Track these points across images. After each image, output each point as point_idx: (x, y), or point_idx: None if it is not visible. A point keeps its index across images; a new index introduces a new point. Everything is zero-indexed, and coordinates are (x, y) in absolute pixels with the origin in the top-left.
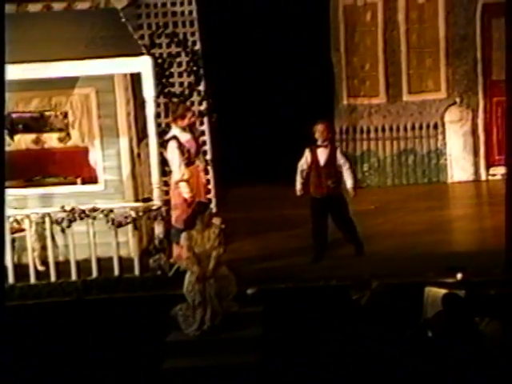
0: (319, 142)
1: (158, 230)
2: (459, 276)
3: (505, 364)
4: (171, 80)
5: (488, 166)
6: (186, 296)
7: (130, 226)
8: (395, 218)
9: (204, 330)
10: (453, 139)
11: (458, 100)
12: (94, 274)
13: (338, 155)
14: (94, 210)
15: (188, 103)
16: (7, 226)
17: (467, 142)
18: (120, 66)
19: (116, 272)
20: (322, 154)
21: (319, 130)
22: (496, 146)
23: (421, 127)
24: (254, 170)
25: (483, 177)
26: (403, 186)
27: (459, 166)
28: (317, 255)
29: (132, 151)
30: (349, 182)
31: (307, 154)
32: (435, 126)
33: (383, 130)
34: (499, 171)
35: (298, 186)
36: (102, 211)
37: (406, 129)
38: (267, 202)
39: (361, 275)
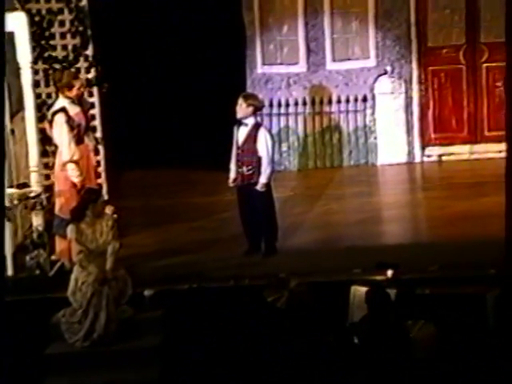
0: (240, 118)
1: (37, 221)
2: (390, 273)
3: (438, 375)
4: (52, 42)
5: (423, 146)
6: (71, 299)
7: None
8: (317, 206)
9: (94, 339)
10: (383, 115)
11: (388, 69)
12: None
13: (260, 137)
14: None
15: (73, 70)
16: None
17: (400, 118)
18: None
19: None
20: (242, 133)
21: (238, 103)
22: (432, 123)
23: (347, 100)
24: (154, 150)
25: (418, 158)
26: (327, 169)
27: (390, 145)
28: (249, 248)
29: (3, 127)
30: (263, 174)
31: (234, 133)
32: (363, 99)
33: (304, 103)
34: (436, 152)
35: (231, 173)
36: None
37: (329, 102)
38: (169, 188)
39: (277, 273)
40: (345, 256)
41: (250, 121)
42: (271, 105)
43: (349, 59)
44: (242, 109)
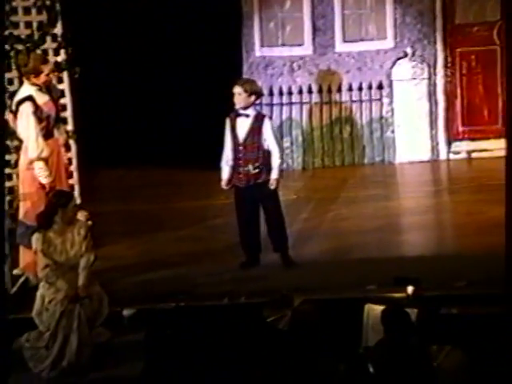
0: (239, 109)
1: None
2: (410, 290)
3: None
4: (13, 19)
5: (449, 141)
6: (37, 321)
7: None
8: (325, 211)
9: (63, 368)
10: (403, 104)
11: (409, 51)
12: None
13: (266, 129)
14: None
15: (41, 53)
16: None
17: (422, 109)
18: None
19: None
20: (242, 126)
21: (235, 90)
22: (460, 114)
23: (360, 88)
24: (135, 145)
25: (443, 155)
26: (336, 168)
27: (411, 140)
28: (247, 260)
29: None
30: (274, 169)
31: (227, 127)
32: (379, 87)
33: (309, 91)
34: (464, 147)
35: (223, 174)
36: None
37: (339, 90)
38: (152, 191)
39: (279, 289)
40: (357, 269)
41: (251, 111)
42: (271, 93)
43: (362, 40)
44: (242, 98)
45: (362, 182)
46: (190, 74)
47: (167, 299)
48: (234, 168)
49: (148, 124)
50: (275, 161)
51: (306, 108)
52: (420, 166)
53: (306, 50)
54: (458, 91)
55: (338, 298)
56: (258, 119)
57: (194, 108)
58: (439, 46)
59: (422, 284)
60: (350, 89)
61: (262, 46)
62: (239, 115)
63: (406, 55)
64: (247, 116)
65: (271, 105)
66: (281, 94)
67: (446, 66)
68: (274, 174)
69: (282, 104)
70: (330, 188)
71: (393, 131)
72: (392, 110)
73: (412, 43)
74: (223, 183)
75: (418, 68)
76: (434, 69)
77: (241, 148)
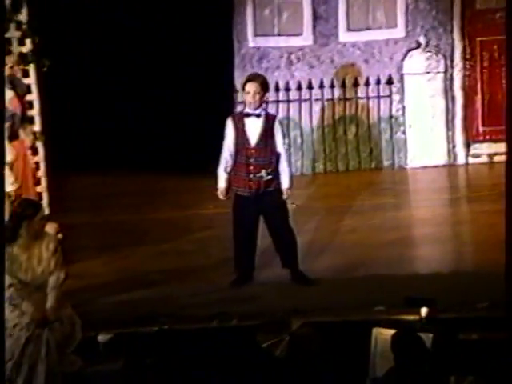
0: (249, 109)
1: None
2: (424, 312)
3: None
4: None
5: (468, 143)
6: None
7: None
8: (328, 222)
9: None
10: (415, 102)
11: (422, 41)
12: None
13: (276, 130)
14: None
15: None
16: None
17: (437, 107)
18: None
19: None
20: (253, 128)
21: (250, 88)
22: (481, 113)
23: (367, 83)
24: (110, 149)
25: (461, 159)
26: (340, 173)
27: (424, 142)
28: (240, 276)
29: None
30: (284, 176)
31: (229, 129)
32: (388, 82)
33: (309, 87)
34: (485, 150)
35: (221, 182)
36: None
37: (343, 85)
38: (130, 199)
39: (275, 311)
40: (364, 288)
41: (261, 111)
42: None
43: (369, 28)
44: (256, 97)
45: (368, 190)
46: (175, 69)
47: (148, 322)
48: (240, 175)
49: (125, 124)
50: (285, 167)
51: (305, 106)
52: (435, 171)
53: (306, 40)
54: (479, 86)
55: (341, 320)
56: (269, 120)
57: (176, 108)
58: (457, 35)
59: (438, 305)
60: (356, 84)
61: (255, 35)
62: (248, 115)
63: (418, 46)
64: (258, 116)
65: (266, 102)
66: (277, 89)
67: (464, 58)
68: (286, 183)
69: (278, 101)
70: (332, 196)
71: (404, 132)
72: (403, 107)
73: (426, 32)
74: (221, 193)
75: (432, 60)
76: (451, 61)
77: (252, 152)
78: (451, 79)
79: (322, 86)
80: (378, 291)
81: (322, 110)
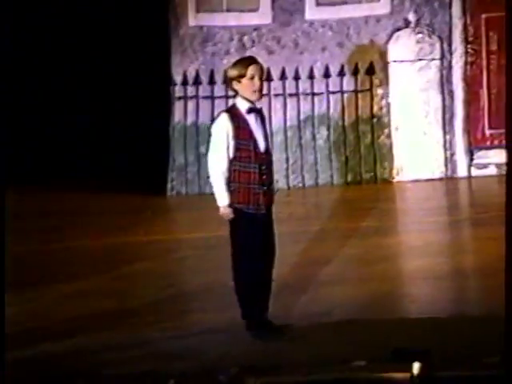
0: (250, 102)
1: None
2: (417, 368)
3: None
4: None
5: (471, 150)
6: None
7: None
8: (291, 253)
9: None
10: (403, 97)
11: (412, 19)
12: None
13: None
14: None
15: None
16: None
17: (431, 103)
18: None
19: None
20: (258, 128)
21: (256, 72)
22: (487, 111)
23: (341, 73)
24: (26, 161)
25: (462, 170)
26: (307, 189)
27: (415, 148)
28: (253, 320)
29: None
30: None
31: (227, 129)
32: (369, 71)
33: (269, 78)
34: (492, 159)
35: (225, 198)
36: None
37: (311, 76)
38: (42, 222)
39: (225, 367)
40: (340, 337)
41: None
42: (212, 81)
43: (344, 3)
44: (262, 84)
45: (344, 210)
46: (105, 58)
47: (71, 378)
48: (248, 188)
49: (51, 134)
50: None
51: (263, 102)
52: (428, 186)
53: (263, 17)
54: (484, 77)
55: (311, 379)
56: (264, 116)
57: (104, 106)
58: (456, 11)
59: (434, 359)
60: (327, 75)
61: (197, 11)
62: (251, 110)
63: (407, 25)
64: (259, 112)
65: (212, 97)
66: (225, 82)
67: (465, 41)
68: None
69: (227, 97)
70: (297, 219)
71: (389, 136)
72: (388, 104)
73: (416, 7)
74: (229, 212)
75: (425, 43)
76: (449, 45)
77: (264, 158)
78: (449, 68)
79: (283, 77)
80: (358, 341)
81: (284, 107)
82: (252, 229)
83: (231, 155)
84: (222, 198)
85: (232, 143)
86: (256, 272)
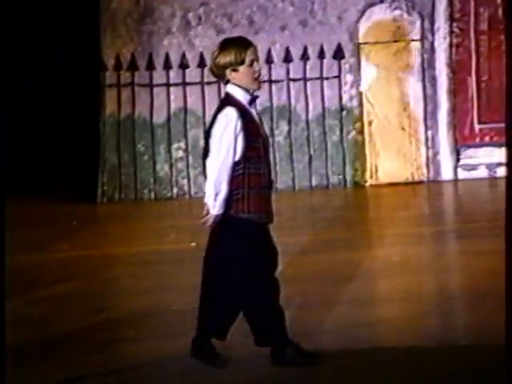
0: (250, 91)
1: None
2: None
3: None
4: None
5: (457, 148)
6: None
7: None
8: None
9: None
10: (377, 86)
11: None
12: None
13: None
14: None
15: None
16: None
17: (410, 92)
18: None
19: None
20: (259, 122)
21: (253, 55)
22: (476, 102)
23: (303, 56)
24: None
25: (446, 172)
26: None
27: (389, 147)
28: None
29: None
30: None
31: (238, 126)
32: (337, 55)
33: None
34: (483, 159)
35: (222, 206)
36: None
37: (268, 60)
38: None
39: None
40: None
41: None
42: (151, 66)
43: None
44: (259, 70)
45: (307, 219)
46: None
47: None
48: (260, 193)
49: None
50: None
51: (211, 91)
52: (407, 190)
53: None
54: (473, 62)
55: None
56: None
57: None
58: None
59: None
60: (287, 59)
61: None
62: (252, 102)
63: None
64: (254, 101)
65: (150, 85)
66: (167, 66)
67: (451, 19)
68: None
69: (168, 85)
70: None
71: (361, 132)
72: (359, 94)
73: None
74: (218, 218)
75: (403, 21)
76: (431, 23)
77: (268, 159)
78: (431, 51)
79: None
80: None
81: None
82: (260, 241)
83: (237, 157)
84: (219, 207)
85: (242, 143)
86: (267, 296)
